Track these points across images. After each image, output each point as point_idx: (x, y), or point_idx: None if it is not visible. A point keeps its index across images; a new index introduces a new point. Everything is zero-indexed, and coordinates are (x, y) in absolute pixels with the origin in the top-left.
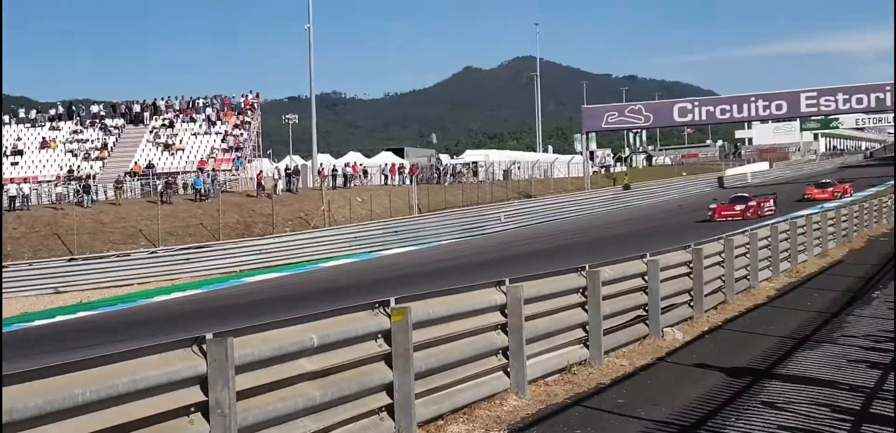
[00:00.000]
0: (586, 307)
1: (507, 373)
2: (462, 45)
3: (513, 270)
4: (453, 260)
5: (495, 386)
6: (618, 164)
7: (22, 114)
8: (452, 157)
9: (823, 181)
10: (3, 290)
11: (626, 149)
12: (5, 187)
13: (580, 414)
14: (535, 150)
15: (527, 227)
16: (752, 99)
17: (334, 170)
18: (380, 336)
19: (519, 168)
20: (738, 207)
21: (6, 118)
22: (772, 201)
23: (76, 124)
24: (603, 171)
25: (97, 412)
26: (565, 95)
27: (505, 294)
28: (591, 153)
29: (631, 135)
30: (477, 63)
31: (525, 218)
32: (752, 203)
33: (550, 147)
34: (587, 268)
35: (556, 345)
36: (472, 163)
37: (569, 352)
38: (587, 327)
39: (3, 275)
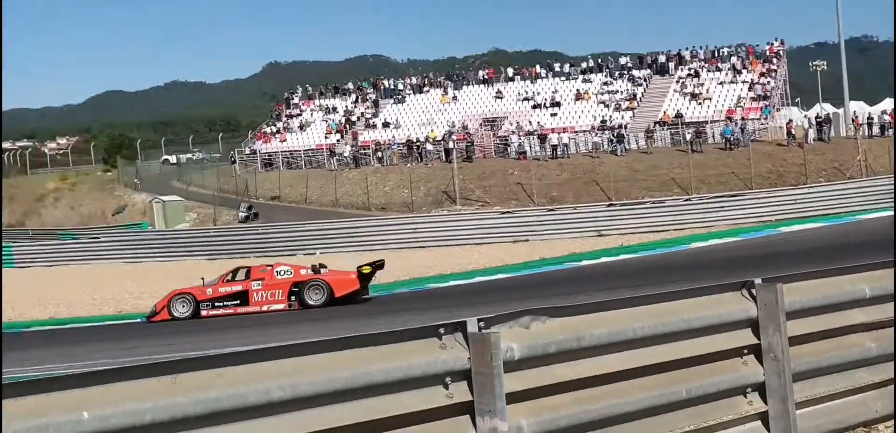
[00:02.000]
0: None
1: None
2: None
3: None
4: None
5: None
6: None
7: (556, 68)
8: None
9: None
10: (551, 230)
11: None
12: (548, 137)
13: None
14: None
15: None
16: None
17: (869, 118)
18: None
19: None
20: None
21: (542, 71)
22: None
23: (606, 76)
24: None
25: (656, 346)
26: None
27: None
28: None
29: None
30: None
31: None
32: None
33: None
34: None
35: None
36: None
37: None
38: None
39: (556, 216)
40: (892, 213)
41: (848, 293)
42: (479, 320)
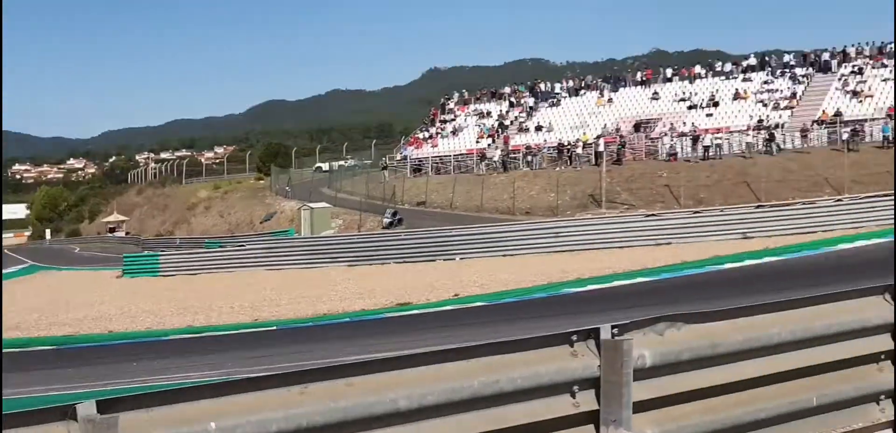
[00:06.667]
0: None
1: None
2: None
3: None
4: None
5: None
6: None
7: (718, 67)
8: None
9: None
10: (696, 233)
11: None
12: (701, 137)
13: None
14: None
15: None
16: None
17: None
18: None
19: None
20: None
21: (702, 71)
22: None
23: (767, 75)
24: None
25: (791, 352)
26: None
27: None
28: None
29: None
30: None
31: None
32: None
33: None
34: None
35: None
36: None
37: None
38: None
39: (701, 218)
40: None
41: None
42: (613, 327)
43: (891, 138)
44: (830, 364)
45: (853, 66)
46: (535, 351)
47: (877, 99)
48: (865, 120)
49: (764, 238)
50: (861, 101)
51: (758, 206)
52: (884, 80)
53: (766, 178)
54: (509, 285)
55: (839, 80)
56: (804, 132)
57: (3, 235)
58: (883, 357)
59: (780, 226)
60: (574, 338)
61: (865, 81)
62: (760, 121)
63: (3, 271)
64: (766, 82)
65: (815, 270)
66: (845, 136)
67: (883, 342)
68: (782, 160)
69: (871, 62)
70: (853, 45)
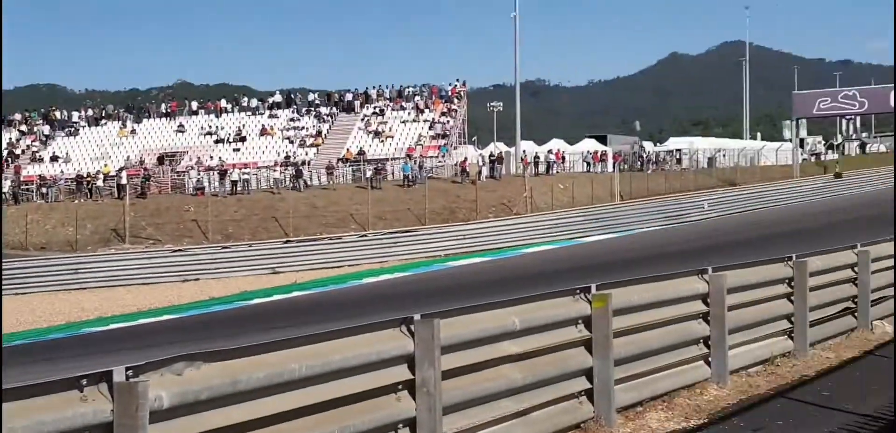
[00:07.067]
0: (792, 298)
1: (708, 363)
2: (669, 30)
3: (715, 259)
4: (654, 248)
5: (695, 375)
6: (829, 151)
7: (245, 102)
8: (656, 145)
9: None
10: (225, 268)
11: (839, 136)
12: (229, 172)
13: (782, 405)
14: (741, 138)
15: (731, 216)
16: None
17: (536, 157)
18: (580, 322)
19: (724, 156)
20: None
21: (228, 106)
22: None
23: (293, 112)
24: (813, 159)
25: (313, 387)
26: (775, 81)
27: (707, 282)
28: (801, 141)
29: (844, 122)
30: (683, 49)
31: (729, 206)
32: None
33: (758, 134)
34: (794, 258)
35: (759, 336)
36: (676, 150)
37: (772, 343)
38: (792, 318)
39: (230, 253)
40: (550, 247)
41: (500, 326)
42: (126, 368)
43: (411, 177)
44: (351, 396)
45: (375, 108)
46: (40, 398)
47: (397, 139)
48: (387, 159)
49: (293, 272)
50: (383, 141)
51: (286, 242)
52: (403, 122)
53: (294, 214)
54: (21, 326)
55: (362, 120)
56: (329, 169)
57: None
58: (401, 387)
59: (308, 261)
60: (84, 382)
61: (386, 123)
62: (287, 157)
63: None
64: (292, 119)
65: (343, 304)
66: (369, 174)
67: (400, 373)
68: (309, 196)
69: (391, 105)
70: (375, 88)
